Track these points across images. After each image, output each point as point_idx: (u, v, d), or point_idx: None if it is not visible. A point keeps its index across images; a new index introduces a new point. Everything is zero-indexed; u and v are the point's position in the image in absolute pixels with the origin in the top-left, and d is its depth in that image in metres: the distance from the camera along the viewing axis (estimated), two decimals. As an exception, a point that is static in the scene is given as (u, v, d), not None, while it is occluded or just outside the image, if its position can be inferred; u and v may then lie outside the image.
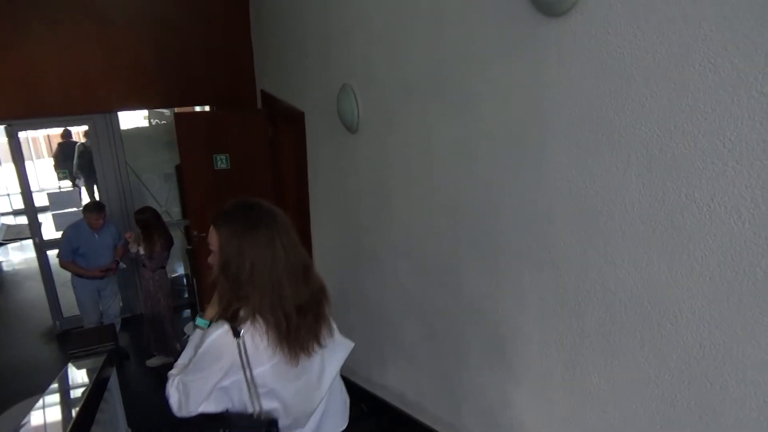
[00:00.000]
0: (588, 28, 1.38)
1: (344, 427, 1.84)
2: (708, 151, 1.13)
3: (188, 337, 1.78)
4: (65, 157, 8.90)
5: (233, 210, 1.52)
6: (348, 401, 1.89)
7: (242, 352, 1.45)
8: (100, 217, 4.43)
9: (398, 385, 3.01)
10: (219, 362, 1.46)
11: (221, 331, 1.44)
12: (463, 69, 1.95)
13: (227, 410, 1.57)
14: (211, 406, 1.54)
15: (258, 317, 1.45)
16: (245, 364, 1.46)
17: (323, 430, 1.75)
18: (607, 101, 1.35)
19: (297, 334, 1.48)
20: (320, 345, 1.59)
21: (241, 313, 1.46)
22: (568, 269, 1.59)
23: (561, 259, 1.61)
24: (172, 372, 1.57)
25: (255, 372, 1.48)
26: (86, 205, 4.51)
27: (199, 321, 1.64)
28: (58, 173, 9.16)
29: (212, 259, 1.53)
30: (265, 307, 1.45)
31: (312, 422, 1.69)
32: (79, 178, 8.97)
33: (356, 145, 2.95)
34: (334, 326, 1.72)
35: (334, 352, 1.71)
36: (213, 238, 1.51)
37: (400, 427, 2.98)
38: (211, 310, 1.59)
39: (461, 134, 2.02)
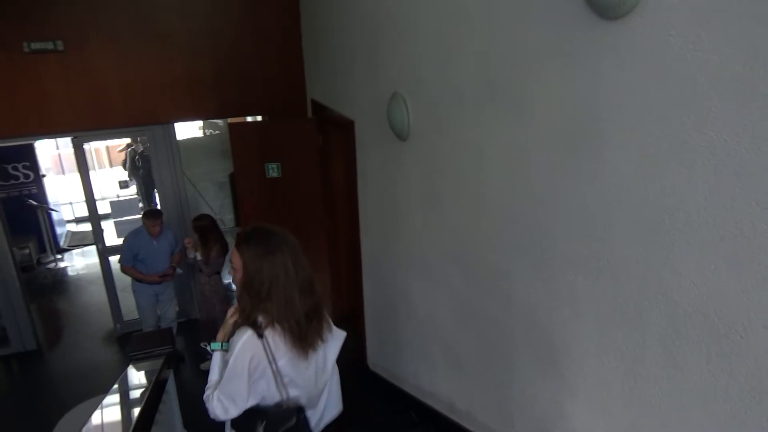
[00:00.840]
0: (648, 31, 1.34)
1: (340, 411, 2.21)
2: (781, 156, 1.08)
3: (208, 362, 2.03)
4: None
5: (254, 235, 1.84)
6: (340, 392, 2.21)
7: (267, 349, 1.79)
8: (156, 223, 4.60)
9: (448, 394, 2.99)
10: (251, 360, 1.78)
11: (248, 335, 1.78)
12: (515, 74, 1.93)
13: (259, 405, 1.88)
14: (250, 401, 1.83)
15: (275, 324, 1.80)
16: (271, 359, 1.80)
17: (326, 413, 2.13)
18: (670, 105, 1.31)
19: (305, 336, 1.85)
20: (323, 340, 1.96)
21: (261, 320, 1.80)
22: (627, 278, 1.55)
23: (619, 267, 1.57)
24: (207, 393, 1.86)
25: (279, 364, 1.82)
26: (146, 213, 4.73)
27: (214, 345, 1.94)
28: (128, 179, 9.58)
29: (235, 277, 1.85)
30: (281, 317, 1.79)
31: (321, 403, 2.08)
32: (131, 181, 9.37)
33: (406, 152, 2.96)
34: (330, 322, 2.06)
35: (333, 342, 2.06)
36: (236, 259, 1.83)
37: (451, 437, 2.96)
38: (221, 334, 1.95)
39: (514, 140, 2.00)
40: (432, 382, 3.19)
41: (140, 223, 4.72)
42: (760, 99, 1.10)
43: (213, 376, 1.88)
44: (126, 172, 9.52)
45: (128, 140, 9.34)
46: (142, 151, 8.85)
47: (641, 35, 1.36)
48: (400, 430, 3.36)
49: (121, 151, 9.82)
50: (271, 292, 1.78)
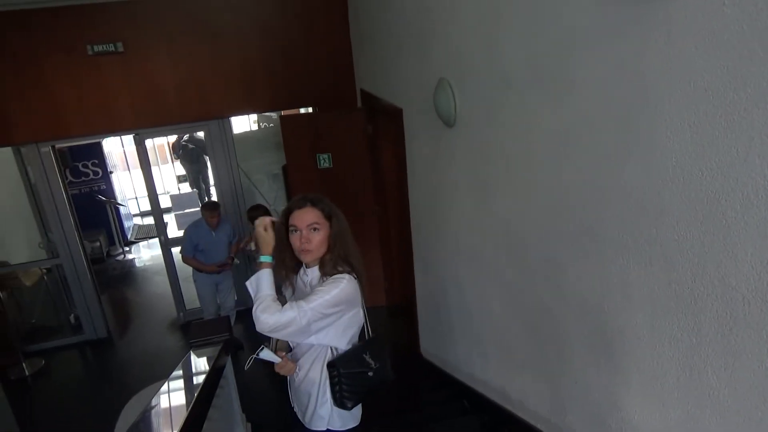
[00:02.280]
0: (701, 3, 1.27)
1: None
2: None
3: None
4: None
5: (322, 198, 2.04)
6: None
7: (361, 290, 2.03)
8: (214, 215, 4.76)
9: (500, 383, 2.96)
10: (353, 300, 1.99)
11: (347, 279, 1.97)
12: (562, 55, 1.87)
13: (333, 356, 2.05)
14: (338, 340, 2.03)
15: (355, 274, 2.02)
16: (362, 299, 2.05)
17: None
18: (725, 80, 1.24)
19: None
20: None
21: (347, 268, 2.01)
22: (681, 263, 1.48)
23: (673, 252, 1.50)
24: (266, 304, 1.90)
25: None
26: (205, 205, 4.89)
27: (264, 257, 2.01)
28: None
29: (310, 237, 1.97)
30: (361, 269, 2.05)
31: None
32: (179, 163, 9.78)
33: (454, 139, 2.93)
34: None
35: None
36: (314, 216, 1.99)
37: (502, 425, 2.94)
38: (268, 246, 2.03)
39: (562, 123, 1.94)
40: (484, 370, 3.17)
41: (199, 216, 4.90)
42: (823, 69, 1.02)
43: (267, 290, 1.93)
44: (176, 158, 9.99)
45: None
46: (189, 138, 9.21)
47: (693, 7, 1.29)
48: (451, 418, 3.36)
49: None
50: (349, 245, 2.04)
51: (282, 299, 2.17)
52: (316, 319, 1.90)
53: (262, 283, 1.95)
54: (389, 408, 3.48)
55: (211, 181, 9.60)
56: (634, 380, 1.80)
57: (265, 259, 2.00)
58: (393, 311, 5.48)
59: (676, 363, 1.57)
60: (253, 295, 1.96)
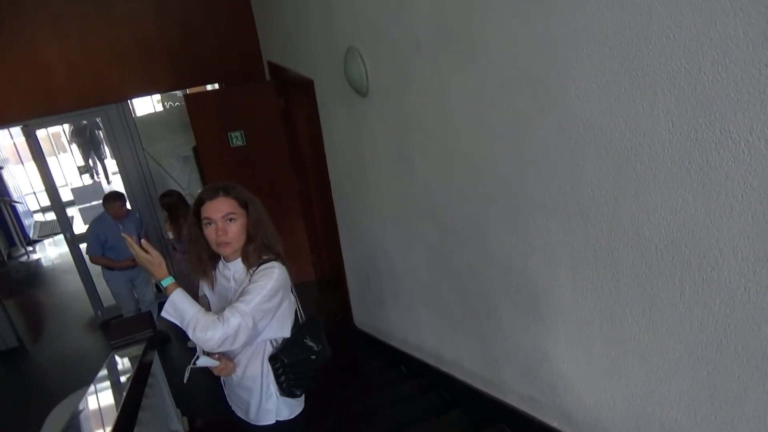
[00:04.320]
0: (600, -41, 1.27)
1: None
2: (742, 81, 1.04)
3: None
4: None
5: (234, 186, 1.92)
6: None
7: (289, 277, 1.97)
8: (123, 205, 4.45)
9: (435, 345, 3.02)
10: (286, 286, 1.93)
11: (278, 266, 1.90)
12: (470, 18, 1.84)
13: (274, 348, 2.00)
14: (280, 331, 1.98)
15: (281, 260, 1.95)
16: (291, 285, 2.01)
17: None
18: (628, 36, 1.26)
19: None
20: None
21: (272, 256, 1.94)
22: (598, 218, 1.53)
23: (590, 208, 1.54)
24: (201, 318, 1.77)
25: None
26: (106, 196, 4.49)
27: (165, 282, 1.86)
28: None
29: (226, 227, 1.86)
30: (282, 253, 1.98)
31: None
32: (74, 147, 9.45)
33: (369, 108, 2.88)
34: None
35: None
36: (230, 206, 1.87)
37: (440, 387, 3.01)
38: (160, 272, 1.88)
39: (475, 86, 1.93)
40: (418, 335, 3.22)
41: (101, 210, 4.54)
42: (718, 22, 1.05)
43: (193, 309, 1.77)
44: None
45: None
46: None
47: (593, -36, 1.29)
48: (391, 385, 3.41)
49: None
50: (269, 231, 1.96)
51: (204, 302, 2.07)
52: (260, 318, 1.82)
53: (180, 306, 1.78)
54: (330, 383, 3.47)
55: (114, 167, 9.14)
56: (560, 333, 1.87)
57: (166, 282, 1.83)
58: (323, 285, 5.44)
59: (599, 313, 1.64)
60: (179, 323, 1.79)
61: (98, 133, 9.44)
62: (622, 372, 1.62)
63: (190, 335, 1.75)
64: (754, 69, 1.01)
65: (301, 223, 5.31)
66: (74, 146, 9.72)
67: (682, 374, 1.40)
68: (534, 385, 2.14)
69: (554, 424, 2.08)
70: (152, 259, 1.82)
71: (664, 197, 1.29)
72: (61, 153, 10.51)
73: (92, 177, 9.39)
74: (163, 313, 1.82)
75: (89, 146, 9.54)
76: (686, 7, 1.10)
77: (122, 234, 1.91)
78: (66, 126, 9.40)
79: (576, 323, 1.76)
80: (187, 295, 1.81)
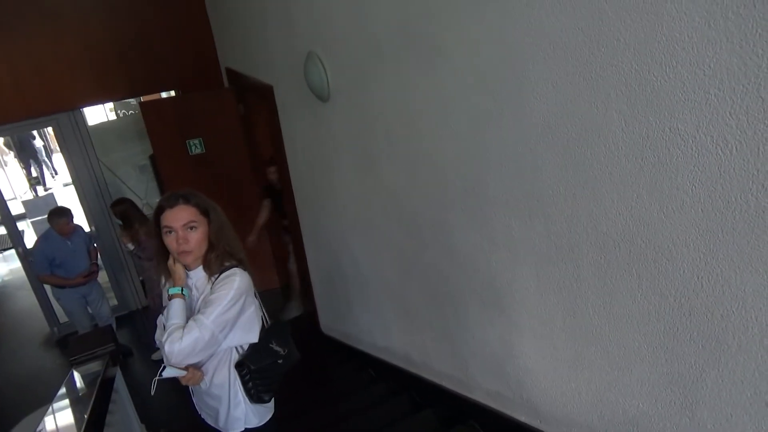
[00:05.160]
0: (553, -34, 1.32)
1: None
2: (688, 81, 1.10)
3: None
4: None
5: (194, 193, 1.91)
6: None
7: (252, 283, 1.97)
8: (70, 221, 4.29)
9: (403, 347, 3.04)
10: (248, 293, 1.92)
11: (239, 273, 1.90)
12: (430, 21, 1.87)
13: (240, 354, 1.99)
14: (247, 336, 1.98)
15: (242, 266, 1.96)
16: (255, 290, 2.01)
17: None
18: (581, 40, 1.31)
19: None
20: None
21: (234, 262, 1.94)
22: (558, 216, 1.58)
23: (550, 206, 1.59)
24: (173, 331, 1.80)
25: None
26: (52, 212, 4.31)
27: (173, 290, 1.91)
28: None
29: (188, 236, 1.85)
30: (245, 259, 1.99)
31: None
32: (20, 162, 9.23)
33: (330, 113, 2.88)
34: None
35: None
36: (191, 215, 1.85)
37: (409, 388, 3.03)
38: (179, 280, 1.93)
39: (436, 89, 1.97)
40: (386, 337, 3.23)
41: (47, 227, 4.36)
42: (665, 26, 1.10)
43: (175, 320, 1.83)
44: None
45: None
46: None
47: (546, -29, 1.34)
48: (361, 389, 3.41)
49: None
50: (231, 238, 1.96)
51: None
52: (221, 329, 1.84)
53: (169, 314, 1.86)
54: (298, 389, 3.45)
55: (66, 177, 8.89)
56: (525, 329, 1.91)
57: (175, 291, 1.89)
58: (287, 291, 5.40)
59: (562, 308, 1.69)
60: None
61: (33, 142, 9.20)
62: (585, 364, 1.68)
63: (163, 341, 1.80)
64: (699, 70, 1.07)
65: (265, 230, 5.26)
66: (14, 158, 9.44)
67: (642, 363, 1.46)
68: (501, 381, 2.18)
69: (522, 419, 2.13)
70: (179, 270, 1.92)
71: (620, 193, 1.34)
72: (7, 165, 10.10)
73: (36, 189, 9.11)
74: (160, 317, 1.96)
75: (26, 156, 9.24)
76: (634, 11, 1.16)
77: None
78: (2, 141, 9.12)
79: (540, 318, 1.81)
80: (183, 309, 1.87)
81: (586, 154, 1.40)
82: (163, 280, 2.04)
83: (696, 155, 1.13)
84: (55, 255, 4.28)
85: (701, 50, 1.05)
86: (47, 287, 4.99)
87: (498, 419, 2.26)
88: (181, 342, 1.76)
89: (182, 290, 1.89)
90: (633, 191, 1.30)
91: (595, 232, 1.46)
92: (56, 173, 9.82)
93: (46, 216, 4.41)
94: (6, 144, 9.24)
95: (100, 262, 4.76)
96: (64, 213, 4.29)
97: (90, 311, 4.68)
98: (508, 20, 1.52)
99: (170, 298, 1.89)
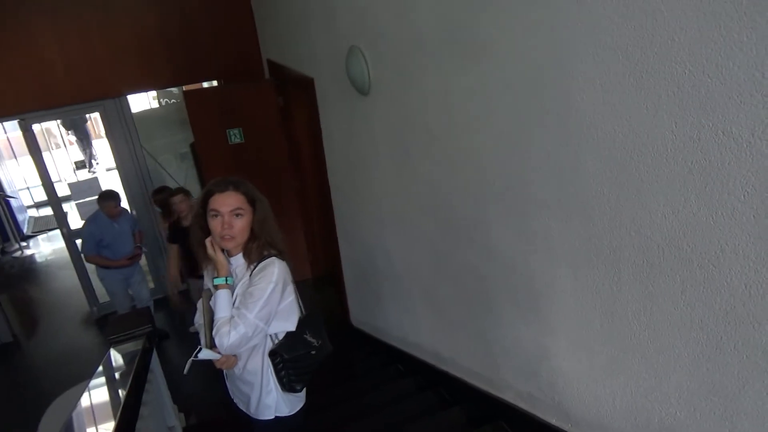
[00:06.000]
0: (607, -37, 1.30)
1: None
2: (745, 84, 1.06)
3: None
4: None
5: (243, 182, 1.94)
6: None
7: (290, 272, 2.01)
8: (117, 204, 4.43)
9: (432, 343, 3.04)
10: (287, 281, 1.96)
11: (277, 263, 1.92)
12: (475, 16, 1.87)
13: (274, 343, 2.01)
14: (285, 325, 2.01)
15: (281, 256, 1.98)
16: (292, 280, 2.04)
17: None
18: (633, 39, 1.28)
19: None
20: None
21: (273, 252, 1.96)
22: (600, 218, 1.55)
23: (592, 207, 1.57)
24: (221, 326, 1.86)
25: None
26: (100, 195, 4.47)
27: (218, 280, 1.94)
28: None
29: (232, 222, 1.88)
30: (284, 251, 2.00)
31: None
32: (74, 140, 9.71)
33: (370, 107, 2.89)
34: None
35: None
36: (237, 201, 1.89)
37: (438, 385, 3.03)
38: (222, 270, 1.95)
39: (479, 86, 1.96)
40: (416, 333, 3.24)
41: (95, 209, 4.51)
42: (722, 26, 1.07)
43: (222, 313, 1.89)
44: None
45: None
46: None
47: (600, -32, 1.32)
48: (388, 382, 3.42)
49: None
50: (273, 230, 1.98)
51: (208, 294, 2.08)
52: (264, 321, 1.90)
53: (216, 306, 1.92)
54: (327, 381, 3.49)
55: (109, 162, 9.16)
56: (560, 330, 1.89)
57: (220, 281, 1.93)
58: (319, 283, 5.46)
59: (600, 311, 1.67)
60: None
61: (85, 126, 9.54)
62: (621, 369, 1.65)
63: (214, 335, 1.87)
64: (757, 72, 1.04)
65: (298, 221, 5.32)
66: (70, 141, 9.75)
67: (682, 371, 1.43)
68: (533, 382, 2.16)
69: (552, 422, 2.11)
70: (222, 260, 1.94)
71: (667, 197, 1.31)
72: (55, 149, 10.44)
73: (89, 170, 9.42)
74: (210, 303, 1.98)
75: (85, 140, 9.58)
76: (691, 11, 1.13)
77: (206, 240, 1.96)
78: (60, 121, 9.41)
79: (576, 321, 1.79)
80: (230, 299, 1.92)
81: (633, 155, 1.37)
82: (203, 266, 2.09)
83: (750, 160, 1.09)
84: (103, 236, 4.42)
85: (761, 51, 1.02)
86: (89, 268, 5.16)
87: (527, 421, 2.24)
88: (229, 337, 1.83)
89: (226, 279, 1.93)
90: (681, 195, 1.27)
91: (638, 235, 1.43)
92: (97, 159, 10.14)
93: (89, 198, 4.55)
94: (64, 125, 9.56)
95: (145, 247, 4.89)
96: (113, 196, 4.43)
97: (130, 293, 4.82)
98: (557, 17, 1.50)
99: (216, 288, 1.93)
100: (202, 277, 2.17)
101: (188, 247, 2.12)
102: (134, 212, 5.31)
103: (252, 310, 1.84)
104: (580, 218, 1.63)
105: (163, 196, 4.50)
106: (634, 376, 1.61)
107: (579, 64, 1.46)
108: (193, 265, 3.73)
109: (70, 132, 9.71)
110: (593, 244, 1.61)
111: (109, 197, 4.41)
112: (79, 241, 5.21)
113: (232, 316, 1.87)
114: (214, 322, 1.89)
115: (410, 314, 3.24)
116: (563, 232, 1.73)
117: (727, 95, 1.11)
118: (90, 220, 4.49)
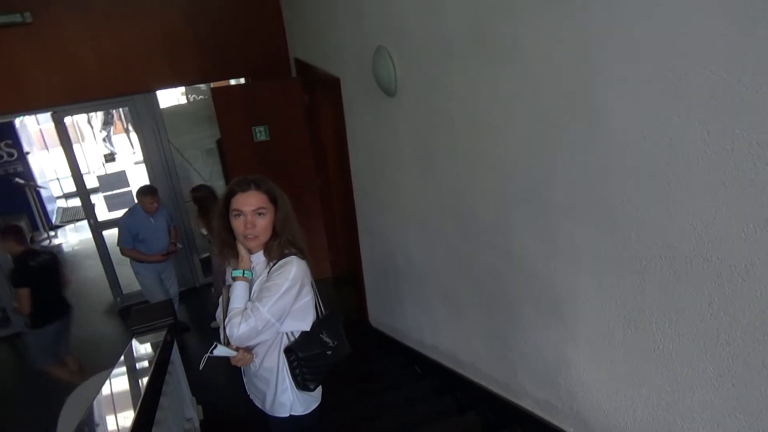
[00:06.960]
0: (642, -33, 1.27)
1: None
2: (783, 93, 1.04)
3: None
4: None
5: (265, 180, 1.95)
6: None
7: (309, 272, 2.01)
8: (155, 200, 4.48)
9: (451, 346, 3.03)
10: (305, 281, 1.96)
11: (295, 262, 1.93)
12: (502, 20, 1.85)
13: (290, 341, 2.01)
14: (299, 324, 2.01)
15: (301, 255, 1.99)
16: (311, 280, 2.04)
17: None
18: (665, 44, 1.26)
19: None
20: None
21: (293, 251, 1.96)
22: (626, 225, 1.53)
23: (618, 215, 1.54)
24: (234, 317, 1.88)
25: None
26: (140, 190, 4.53)
27: (236, 272, 1.97)
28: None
29: (255, 221, 1.88)
30: (305, 249, 2.01)
31: None
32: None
33: (396, 108, 2.89)
34: None
35: None
36: (260, 200, 1.89)
37: (455, 388, 3.01)
38: (243, 262, 1.98)
39: (505, 89, 1.94)
40: (434, 335, 3.23)
41: (129, 198, 4.60)
42: (760, 32, 1.05)
43: (237, 304, 1.91)
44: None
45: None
46: None
47: (634, -28, 1.30)
48: (405, 384, 3.42)
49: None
50: (294, 228, 1.99)
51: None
52: (277, 317, 1.90)
53: (232, 296, 1.94)
54: (343, 380, 3.49)
55: (136, 157, 9.34)
56: (581, 339, 1.87)
57: (237, 273, 1.96)
58: (338, 282, 5.47)
59: (623, 321, 1.64)
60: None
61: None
62: (643, 381, 1.62)
63: (225, 324, 1.89)
64: (796, 82, 1.01)
65: (320, 220, 5.35)
66: (101, 133, 9.97)
67: (707, 385, 1.40)
68: (551, 390, 2.14)
69: (570, 430, 2.08)
70: (243, 254, 1.97)
71: (696, 207, 1.28)
72: (83, 141, 10.67)
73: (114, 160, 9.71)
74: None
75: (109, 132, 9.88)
76: (726, 18, 1.10)
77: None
78: (93, 114, 9.63)
79: (598, 329, 1.76)
80: (246, 292, 1.94)
81: (662, 163, 1.35)
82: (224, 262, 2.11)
83: (785, 172, 1.06)
84: (139, 230, 4.48)
85: (801, 61, 0.99)
86: (116, 257, 5.25)
87: (544, 428, 2.22)
88: (239, 328, 1.84)
89: (244, 272, 1.95)
90: (711, 206, 1.24)
91: (665, 245, 1.41)
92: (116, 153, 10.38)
93: (116, 191, 4.63)
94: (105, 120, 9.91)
95: (180, 244, 4.95)
96: (150, 191, 4.49)
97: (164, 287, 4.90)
98: (585, 21, 1.48)
99: (234, 279, 1.95)
100: None
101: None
102: (169, 210, 5.39)
103: (265, 305, 1.86)
104: (606, 225, 1.61)
105: (201, 194, 4.57)
106: (656, 388, 1.58)
107: (608, 68, 1.44)
108: None
109: (103, 129, 9.94)
110: (618, 252, 1.58)
111: (146, 192, 4.46)
112: (105, 233, 5.31)
113: (246, 308, 1.89)
114: (227, 312, 1.91)
115: (429, 316, 3.23)
116: (588, 239, 1.70)
117: (764, 104, 1.08)
118: (128, 214, 4.57)
